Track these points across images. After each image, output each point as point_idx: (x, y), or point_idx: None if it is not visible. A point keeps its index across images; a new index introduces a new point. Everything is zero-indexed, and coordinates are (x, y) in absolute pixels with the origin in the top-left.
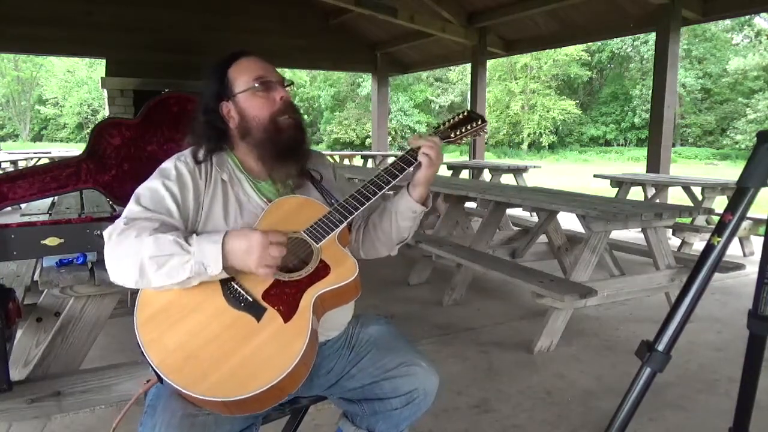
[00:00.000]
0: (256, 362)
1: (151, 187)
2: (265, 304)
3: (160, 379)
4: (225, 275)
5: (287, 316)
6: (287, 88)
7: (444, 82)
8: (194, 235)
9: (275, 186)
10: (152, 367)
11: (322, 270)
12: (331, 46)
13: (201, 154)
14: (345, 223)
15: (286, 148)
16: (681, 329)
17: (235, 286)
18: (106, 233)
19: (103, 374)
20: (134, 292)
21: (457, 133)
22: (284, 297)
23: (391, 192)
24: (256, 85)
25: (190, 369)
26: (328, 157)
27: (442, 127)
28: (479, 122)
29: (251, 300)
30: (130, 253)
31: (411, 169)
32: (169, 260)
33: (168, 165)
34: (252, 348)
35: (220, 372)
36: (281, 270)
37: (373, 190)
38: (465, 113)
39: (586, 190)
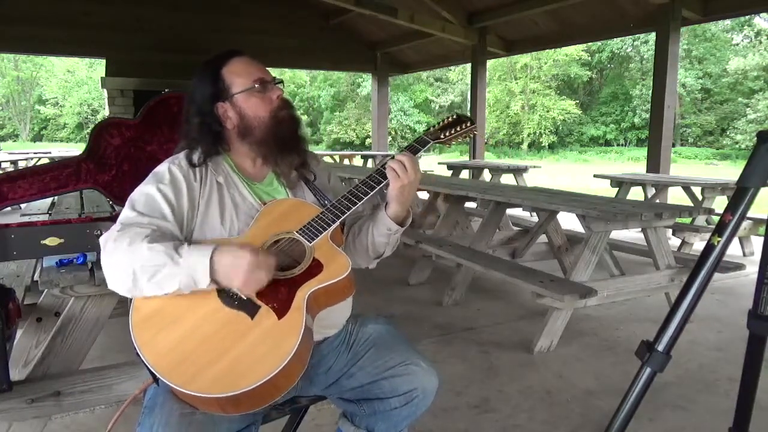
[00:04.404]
0: (250, 359)
1: (146, 192)
2: (258, 301)
3: (155, 380)
4: (215, 286)
5: (281, 313)
6: (279, 85)
7: (444, 82)
8: (185, 246)
9: (279, 180)
10: (148, 368)
11: (315, 268)
12: (331, 46)
13: (196, 157)
14: (337, 223)
15: (288, 139)
16: (681, 329)
17: None
18: (101, 240)
19: (103, 374)
20: None
21: (447, 134)
22: (278, 295)
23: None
24: (256, 86)
25: (185, 368)
26: (328, 157)
27: (432, 129)
28: (468, 124)
29: (245, 298)
30: (123, 262)
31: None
32: (159, 270)
33: (162, 168)
34: (246, 345)
35: (215, 369)
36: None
37: (364, 190)
38: (454, 116)
39: (586, 190)
